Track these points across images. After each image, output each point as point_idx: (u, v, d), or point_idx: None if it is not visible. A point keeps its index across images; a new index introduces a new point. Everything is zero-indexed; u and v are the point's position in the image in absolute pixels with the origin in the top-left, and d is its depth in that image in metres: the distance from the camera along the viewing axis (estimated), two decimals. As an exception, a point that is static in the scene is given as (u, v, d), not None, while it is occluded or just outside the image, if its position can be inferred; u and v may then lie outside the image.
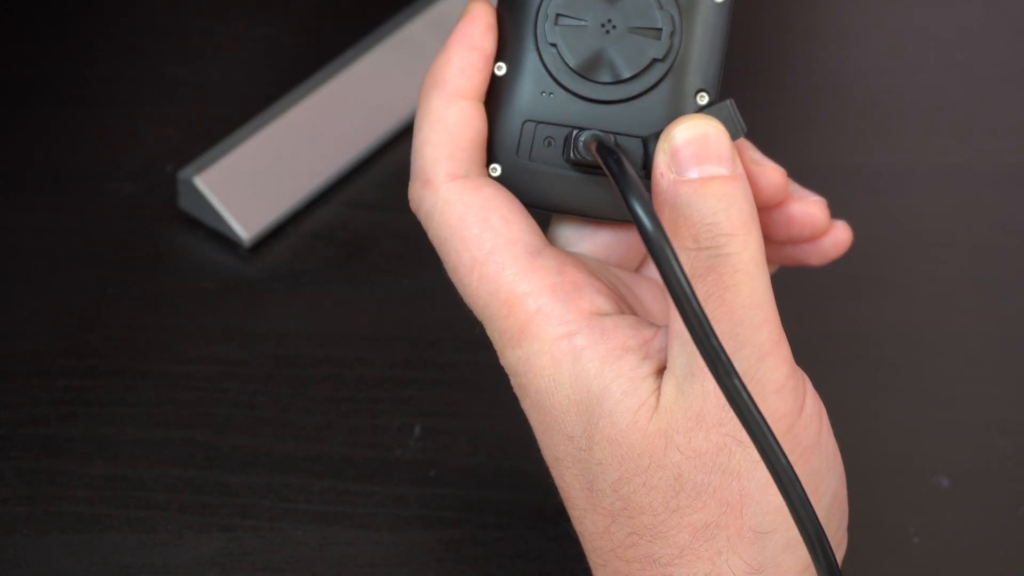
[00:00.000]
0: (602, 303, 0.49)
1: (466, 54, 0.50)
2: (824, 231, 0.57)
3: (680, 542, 0.48)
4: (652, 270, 0.55)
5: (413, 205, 0.51)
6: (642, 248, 0.54)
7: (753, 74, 0.82)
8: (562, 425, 0.49)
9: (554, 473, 0.50)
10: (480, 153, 0.51)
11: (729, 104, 0.49)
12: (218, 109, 0.77)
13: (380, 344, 0.69)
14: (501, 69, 0.51)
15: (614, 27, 0.50)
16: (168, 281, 0.71)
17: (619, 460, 0.48)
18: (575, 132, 0.50)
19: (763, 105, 0.80)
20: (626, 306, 0.51)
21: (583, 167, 0.51)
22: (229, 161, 0.72)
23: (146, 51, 0.81)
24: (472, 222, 0.49)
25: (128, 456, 0.64)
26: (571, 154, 0.50)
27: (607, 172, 0.46)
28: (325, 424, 0.65)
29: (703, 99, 0.51)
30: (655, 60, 0.50)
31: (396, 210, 0.74)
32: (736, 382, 0.44)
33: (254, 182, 0.72)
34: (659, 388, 0.48)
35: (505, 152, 0.51)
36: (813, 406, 0.49)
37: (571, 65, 0.50)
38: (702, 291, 0.47)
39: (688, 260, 0.47)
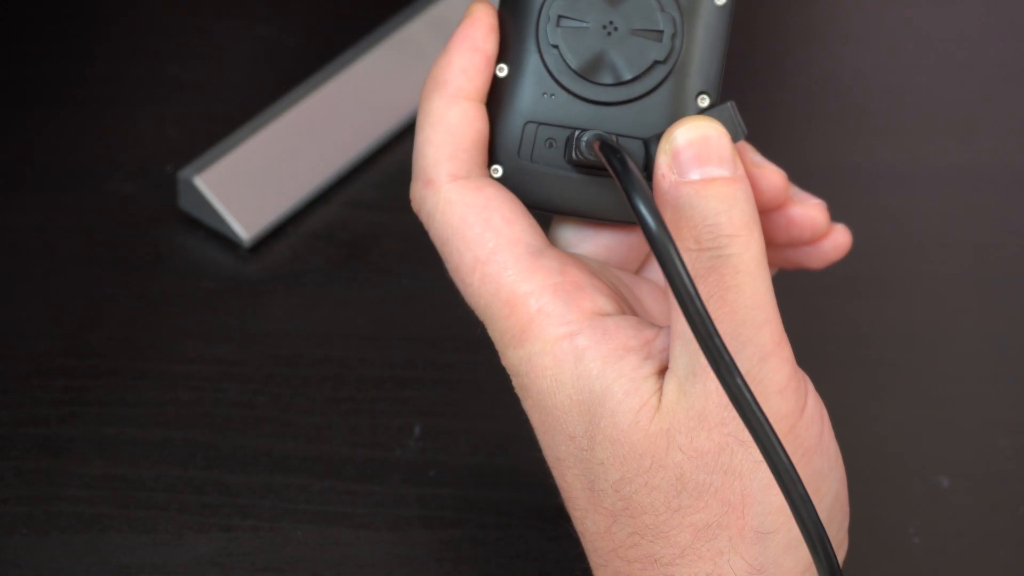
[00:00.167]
0: (604, 303, 0.49)
1: (468, 55, 0.50)
2: (824, 234, 0.57)
3: (682, 542, 0.48)
4: (653, 272, 0.55)
5: (415, 206, 0.51)
6: (643, 249, 0.54)
7: (753, 74, 0.82)
8: (564, 425, 0.49)
9: (555, 473, 0.50)
10: (482, 154, 0.51)
11: (730, 106, 0.49)
12: (218, 109, 0.77)
13: (380, 344, 0.69)
14: (503, 70, 0.51)
15: (616, 29, 0.50)
16: (168, 281, 0.71)
17: (621, 460, 0.48)
18: (577, 133, 0.50)
19: (763, 105, 0.80)
20: (627, 307, 0.51)
21: (584, 168, 0.51)
22: (229, 161, 0.72)
23: (146, 51, 0.81)
24: (474, 222, 0.49)
25: (128, 456, 0.64)
26: (573, 154, 0.50)
27: (610, 171, 0.46)
28: (325, 424, 0.65)
29: (704, 101, 0.51)
30: (656, 62, 0.50)
31: (396, 210, 0.74)
32: (739, 381, 0.44)
33: (254, 182, 0.72)
34: (661, 388, 0.48)
35: (507, 153, 0.51)
36: (815, 407, 0.49)
37: (573, 66, 0.50)
38: (704, 291, 0.47)
39: (690, 261, 0.47)
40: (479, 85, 0.51)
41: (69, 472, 0.63)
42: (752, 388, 0.45)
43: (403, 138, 0.77)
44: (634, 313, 0.51)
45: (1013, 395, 0.69)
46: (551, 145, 0.51)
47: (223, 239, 0.72)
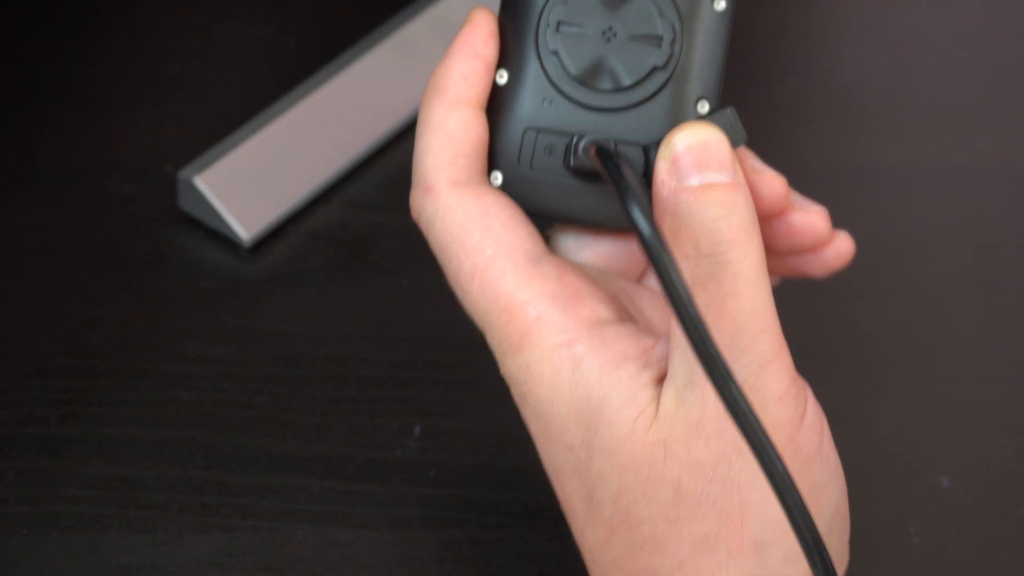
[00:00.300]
0: (603, 311, 0.49)
1: (468, 61, 0.50)
2: (826, 241, 0.56)
3: (680, 554, 0.47)
4: (654, 280, 0.55)
5: (414, 213, 0.51)
6: (643, 258, 0.54)
7: (752, 75, 0.82)
8: (561, 435, 0.48)
9: (554, 484, 0.50)
10: (481, 160, 0.51)
11: (730, 112, 0.49)
12: (218, 109, 0.77)
13: (380, 344, 0.69)
14: (503, 77, 0.51)
15: (615, 35, 0.50)
16: (168, 281, 0.71)
17: (618, 471, 0.47)
18: (575, 139, 0.50)
19: (762, 105, 0.80)
20: (627, 315, 0.51)
21: (584, 175, 0.51)
22: (229, 161, 0.72)
23: (146, 51, 0.81)
24: (473, 229, 0.49)
25: (128, 456, 0.64)
26: (571, 160, 0.50)
27: (605, 176, 0.46)
28: (325, 424, 0.66)
29: (704, 107, 0.50)
30: (656, 68, 0.50)
31: (396, 210, 0.74)
32: (734, 389, 0.44)
33: (254, 182, 0.72)
34: (659, 397, 0.48)
35: (506, 160, 0.51)
36: (814, 415, 0.48)
37: (572, 73, 0.50)
38: (702, 299, 0.47)
39: (689, 268, 0.47)
40: (479, 91, 0.50)
41: (69, 472, 0.63)
42: (750, 396, 0.45)
43: (403, 138, 0.77)
44: (634, 322, 0.50)
45: (1013, 395, 0.69)
46: (551, 152, 0.51)
47: (223, 239, 0.72)
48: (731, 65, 0.52)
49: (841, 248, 0.57)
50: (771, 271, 0.54)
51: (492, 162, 0.51)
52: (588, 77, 0.50)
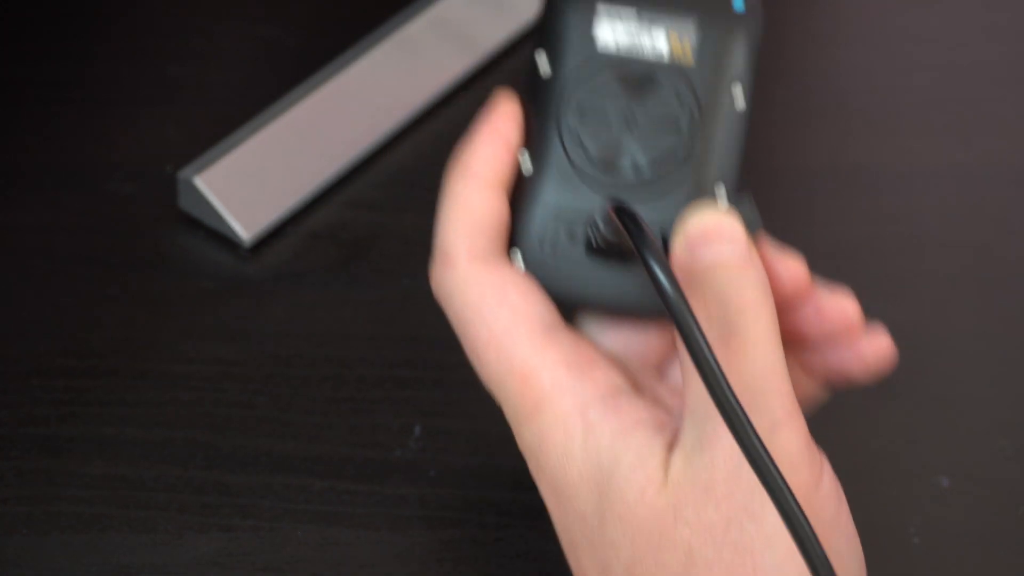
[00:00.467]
0: (618, 380, 0.49)
1: (491, 143, 0.51)
2: (858, 326, 0.54)
3: None
4: (673, 373, 0.54)
5: (434, 286, 0.51)
6: (662, 349, 0.53)
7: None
8: (575, 503, 0.48)
9: (571, 561, 0.50)
10: (501, 239, 0.51)
11: (746, 198, 0.50)
12: (218, 109, 0.77)
13: (380, 344, 0.69)
14: (525, 160, 0.52)
15: (636, 121, 0.51)
16: (168, 281, 0.71)
17: (630, 539, 0.47)
18: (596, 213, 0.51)
19: (763, 105, 0.80)
20: (642, 388, 0.51)
21: (605, 257, 0.51)
22: (229, 161, 0.72)
23: (146, 51, 0.81)
24: (490, 299, 0.50)
25: (128, 456, 0.64)
26: (591, 233, 0.50)
27: (624, 231, 0.47)
28: (325, 424, 0.65)
29: (721, 192, 0.51)
30: (675, 155, 0.51)
31: (396, 210, 0.74)
32: (752, 435, 0.44)
33: (254, 182, 0.72)
34: (668, 462, 0.47)
35: (528, 243, 0.51)
36: (831, 486, 0.48)
37: (594, 158, 0.51)
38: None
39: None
40: (501, 172, 0.51)
41: (69, 472, 0.63)
42: None
43: (403, 138, 0.77)
44: (649, 395, 0.51)
45: (1013, 395, 0.69)
46: (572, 236, 0.51)
47: (223, 239, 0.72)
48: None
49: (879, 345, 0.54)
50: (812, 374, 0.54)
51: (514, 245, 0.52)
52: (609, 162, 0.51)
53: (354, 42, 0.79)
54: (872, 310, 0.72)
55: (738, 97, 0.51)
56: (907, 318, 0.71)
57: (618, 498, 0.47)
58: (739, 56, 0.52)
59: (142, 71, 0.80)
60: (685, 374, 0.48)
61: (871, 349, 0.54)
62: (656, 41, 0.51)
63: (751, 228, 0.49)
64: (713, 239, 0.48)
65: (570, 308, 0.52)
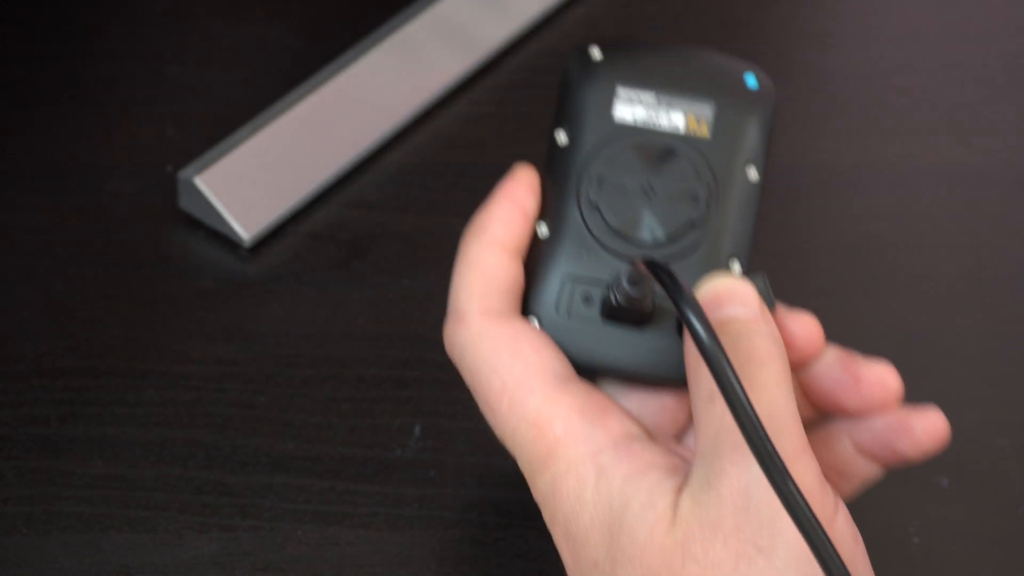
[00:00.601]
0: (632, 427, 0.50)
1: (508, 209, 0.52)
2: (897, 394, 0.54)
3: None
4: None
5: (447, 344, 0.52)
6: (676, 416, 0.54)
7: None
8: (588, 550, 0.48)
9: None
10: (515, 299, 0.52)
11: (761, 277, 0.51)
12: (218, 109, 0.77)
13: (380, 344, 0.69)
14: (543, 228, 0.53)
15: (654, 192, 0.52)
16: (168, 281, 0.71)
17: None
18: (615, 277, 0.51)
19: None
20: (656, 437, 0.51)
21: (621, 321, 0.52)
22: (229, 161, 0.72)
23: (146, 51, 0.81)
24: (503, 351, 0.50)
25: (128, 456, 0.64)
26: (612, 295, 0.51)
27: (659, 282, 0.47)
28: (325, 424, 0.65)
29: (735, 266, 0.52)
30: (692, 225, 0.52)
31: (396, 210, 0.74)
32: (777, 460, 0.44)
33: (254, 182, 0.72)
34: (677, 502, 0.47)
35: (544, 308, 0.52)
36: (846, 527, 0.48)
37: (612, 225, 0.52)
38: (723, 405, 0.47)
39: (709, 380, 0.47)
40: (516, 237, 0.52)
41: (69, 472, 0.63)
42: None
43: (403, 138, 0.77)
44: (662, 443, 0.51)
45: (1013, 395, 0.69)
46: (588, 301, 0.52)
47: (223, 239, 0.72)
48: (731, 65, 0.52)
49: (932, 422, 0.54)
50: (864, 451, 0.54)
51: (530, 309, 0.52)
52: (627, 230, 0.52)
53: (354, 42, 0.79)
54: (872, 310, 0.72)
55: (752, 172, 0.53)
56: (907, 318, 0.71)
57: (628, 540, 0.47)
58: (754, 132, 0.53)
59: (142, 71, 0.80)
60: (697, 417, 0.48)
61: (921, 425, 0.54)
62: (674, 119, 0.53)
63: (767, 304, 0.50)
64: (726, 302, 0.49)
65: (586, 374, 0.52)
